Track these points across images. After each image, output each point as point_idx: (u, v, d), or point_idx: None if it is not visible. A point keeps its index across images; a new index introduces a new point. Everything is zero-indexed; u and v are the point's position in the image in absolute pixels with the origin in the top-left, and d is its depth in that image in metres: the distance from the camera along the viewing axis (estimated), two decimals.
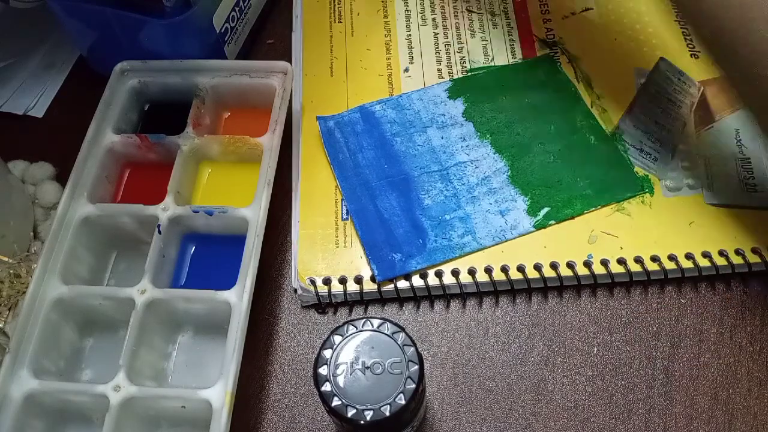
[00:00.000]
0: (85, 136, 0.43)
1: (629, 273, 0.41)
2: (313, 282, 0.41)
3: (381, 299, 0.42)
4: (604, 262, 0.41)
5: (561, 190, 0.44)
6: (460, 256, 0.42)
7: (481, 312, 0.42)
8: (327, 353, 0.31)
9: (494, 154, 0.46)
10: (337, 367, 0.31)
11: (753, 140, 0.45)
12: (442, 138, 0.46)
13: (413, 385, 0.30)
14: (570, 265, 0.41)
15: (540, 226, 0.43)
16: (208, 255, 0.43)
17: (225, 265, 0.41)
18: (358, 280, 0.42)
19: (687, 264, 0.41)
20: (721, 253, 0.41)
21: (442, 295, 0.42)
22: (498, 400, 0.39)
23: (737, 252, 0.41)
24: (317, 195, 0.45)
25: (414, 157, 0.45)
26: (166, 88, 0.46)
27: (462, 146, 0.46)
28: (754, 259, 0.41)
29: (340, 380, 0.30)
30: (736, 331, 0.40)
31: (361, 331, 0.31)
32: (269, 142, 0.43)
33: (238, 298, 0.38)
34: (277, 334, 0.42)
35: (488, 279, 0.41)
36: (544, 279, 0.41)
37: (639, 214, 0.43)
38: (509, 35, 0.51)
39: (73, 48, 0.53)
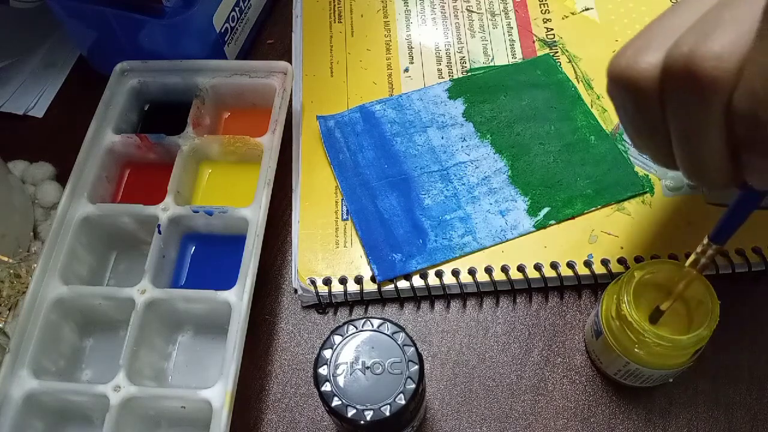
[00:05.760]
0: (85, 136, 0.43)
1: None
2: (313, 282, 0.41)
3: (381, 299, 0.42)
4: (605, 262, 0.41)
5: (561, 190, 0.44)
6: (461, 256, 0.42)
7: (482, 312, 0.42)
8: (327, 353, 0.31)
9: (494, 154, 0.46)
10: (337, 367, 0.31)
11: None
12: (442, 138, 0.46)
13: (413, 385, 0.30)
14: (570, 265, 0.41)
15: (540, 226, 0.43)
16: (208, 255, 0.43)
17: (225, 265, 0.41)
18: (359, 280, 0.42)
19: None
20: (722, 253, 0.41)
21: (443, 295, 0.42)
22: (498, 400, 0.39)
23: (738, 252, 0.41)
24: (317, 195, 0.45)
25: (414, 157, 0.45)
26: (166, 88, 0.46)
27: (462, 146, 0.46)
28: (754, 258, 0.41)
29: (340, 380, 0.30)
30: (736, 330, 0.40)
31: (361, 331, 0.31)
32: (269, 142, 0.43)
33: (238, 298, 0.37)
34: (277, 334, 0.42)
35: (488, 279, 0.41)
36: (544, 279, 0.41)
37: (639, 214, 0.43)
38: (509, 35, 0.51)
39: (73, 48, 0.53)
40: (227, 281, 0.38)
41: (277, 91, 0.45)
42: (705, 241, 0.32)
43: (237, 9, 0.49)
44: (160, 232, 0.40)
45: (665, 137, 0.28)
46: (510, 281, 0.41)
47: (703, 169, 0.28)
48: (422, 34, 0.51)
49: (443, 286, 0.41)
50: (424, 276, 0.41)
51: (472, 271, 0.41)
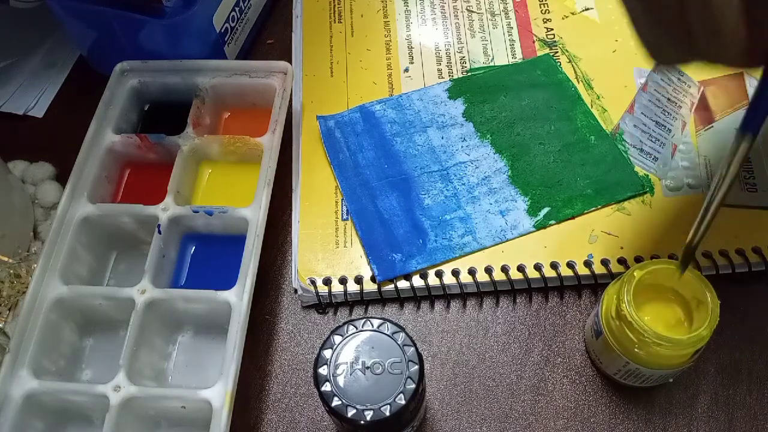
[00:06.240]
0: (85, 136, 0.43)
1: None
2: (313, 282, 0.41)
3: (381, 299, 0.42)
4: (605, 262, 0.41)
5: (561, 190, 0.44)
6: (461, 256, 0.42)
7: (481, 312, 0.42)
8: (327, 353, 0.31)
9: (494, 154, 0.46)
10: (337, 367, 0.31)
11: None
12: (442, 138, 0.46)
13: (413, 385, 0.30)
14: (570, 265, 0.41)
15: (540, 226, 0.43)
16: (208, 255, 0.43)
17: (225, 265, 0.41)
18: (359, 280, 0.42)
19: None
20: (722, 253, 0.41)
21: (443, 295, 0.42)
22: (498, 400, 0.39)
23: (738, 251, 0.41)
24: (317, 195, 0.45)
25: (414, 157, 0.45)
26: (166, 88, 0.46)
27: (462, 146, 0.46)
28: (754, 258, 0.41)
29: (340, 380, 0.30)
30: (736, 330, 0.40)
31: (361, 331, 0.31)
32: (269, 142, 0.43)
33: (238, 298, 0.37)
34: (277, 334, 0.42)
35: (488, 279, 0.41)
36: (544, 279, 0.41)
37: (639, 214, 0.43)
38: (509, 35, 0.51)
39: (73, 48, 0.53)
40: (227, 281, 0.38)
41: (277, 91, 0.45)
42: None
43: (237, 9, 0.49)
44: (160, 232, 0.40)
45: (681, 16, 0.27)
46: (510, 281, 0.41)
47: (721, 36, 0.26)
48: (422, 34, 0.51)
49: (443, 286, 0.41)
50: (424, 276, 0.41)
51: (472, 271, 0.41)
